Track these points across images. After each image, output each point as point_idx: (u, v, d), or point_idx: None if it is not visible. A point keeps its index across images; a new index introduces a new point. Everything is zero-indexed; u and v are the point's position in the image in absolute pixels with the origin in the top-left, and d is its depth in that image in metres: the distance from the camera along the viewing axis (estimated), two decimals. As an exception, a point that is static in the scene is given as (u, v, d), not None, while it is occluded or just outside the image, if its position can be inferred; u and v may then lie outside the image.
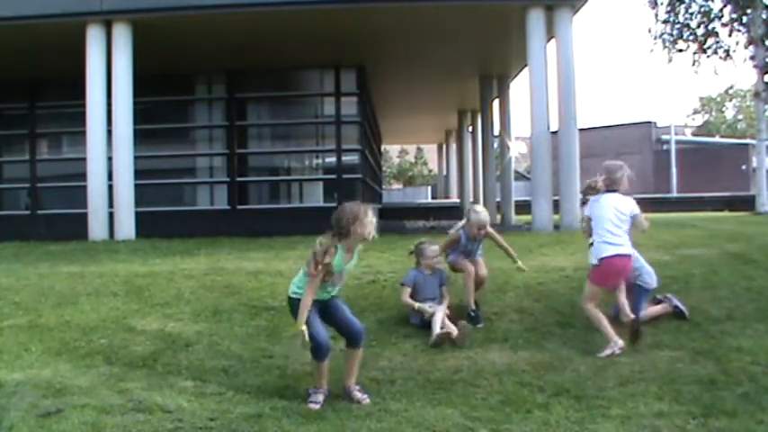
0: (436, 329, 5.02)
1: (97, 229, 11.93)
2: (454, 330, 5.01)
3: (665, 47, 19.07)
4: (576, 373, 4.21)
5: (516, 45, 13.22)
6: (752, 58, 17.47)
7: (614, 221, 4.75)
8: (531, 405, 3.66)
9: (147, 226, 12.11)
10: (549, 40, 12.16)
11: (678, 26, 18.91)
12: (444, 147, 34.70)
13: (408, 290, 5.52)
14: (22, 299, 6.35)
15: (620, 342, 4.56)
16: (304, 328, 3.82)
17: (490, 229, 5.82)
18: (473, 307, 5.59)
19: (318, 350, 3.92)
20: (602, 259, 4.78)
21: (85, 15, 11.94)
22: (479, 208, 5.94)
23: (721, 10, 18.32)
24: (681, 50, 19.02)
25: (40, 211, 16.45)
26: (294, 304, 3.97)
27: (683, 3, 18.77)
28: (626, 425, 3.38)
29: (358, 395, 3.97)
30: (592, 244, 4.96)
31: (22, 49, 13.35)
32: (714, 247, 8.61)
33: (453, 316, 5.30)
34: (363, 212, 3.98)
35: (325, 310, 4.06)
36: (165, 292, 6.50)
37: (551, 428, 3.37)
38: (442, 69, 17.39)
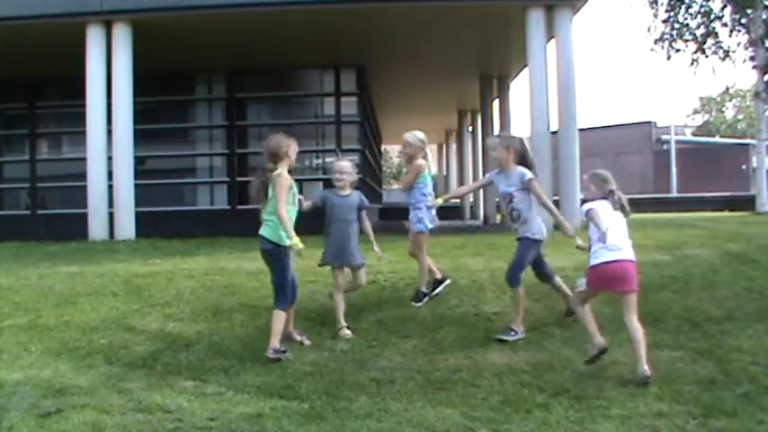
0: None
1: (97, 229, 11.93)
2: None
3: (663, 47, 19.10)
4: (576, 373, 4.21)
5: (516, 45, 13.22)
6: (752, 58, 17.48)
7: None
8: (531, 405, 3.66)
9: (147, 226, 12.11)
10: (549, 40, 12.16)
11: (678, 26, 18.92)
12: (444, 147, 34.66)
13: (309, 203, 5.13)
14: (22, 299, 6.35)
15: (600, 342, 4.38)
16: (297, 240, 4.52)
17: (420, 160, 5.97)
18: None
19: (287, 296, 4.69)
20: None
21: (85, 15, 11.95)
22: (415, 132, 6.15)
23: (722, 10, 18.33)
24: (679, 50, 19.04)
25: (40, 211, 16.46)
26: (271, 251, 4.66)
27: (683, 2, 18.78)
28: (626, 425, 3.38)
29: (297, 336, 4.93)
30: None
31: (22, 49, 13.36)
32: (714, 247, 8.62)
33: None
34: (293, 141, 4.81)
35: None
36: (165, 292, 6.50)
37: (551, 428, 3.37)
38: (442, 69, 17.39)
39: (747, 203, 19.57)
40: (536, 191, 5.10)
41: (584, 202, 4.68)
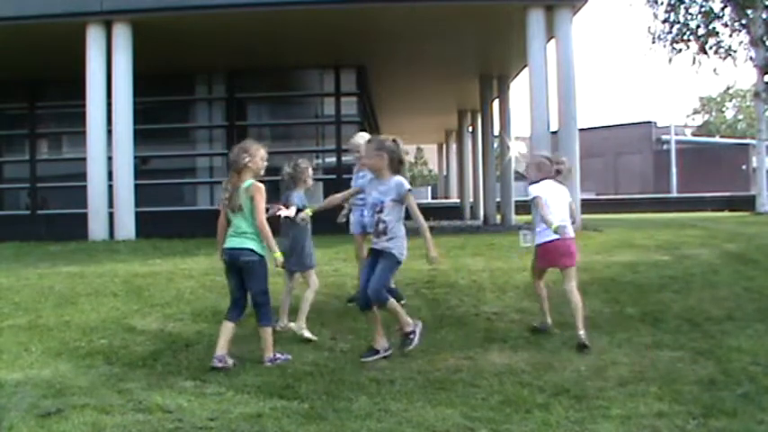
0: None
1: (97, 229, 11.93)
2: None
3: (665, 46, 19.12)
4: (576, 373, 4.21)
5: (516, 45, 13.23)
6: (752, 58, 17.50)
7: None
8: (531, 405, 3.66)
9: (147, 226, 12.11)
10: (549, 40, 12.16)
11: (678, 26, 18.94)
12: (444, 147, 34.65)
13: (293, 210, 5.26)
14: (22, 299, 6.35)
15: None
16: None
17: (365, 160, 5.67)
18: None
19: (271, 308, 4.59)
20: None
21: (85, 15, 11.95)
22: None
23: (722, 10, 18.35)
24: (681, 51, 19.06)
25: (39, 211, 16.45)
26: (258, 263, 4.47)
27: (683, 3, 18.79)
28: (626, 425, 3.37)
29: (230, 360, 4.46)
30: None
31: (22, 49, 13.36)
32: (714, 247, 8.63)
33: None
34: (258, 149, 4.54)
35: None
36: (165, 292, 6.50)
37: (551, 428, 3.37)
38: (442, 69, 17.39)
39: (747, 203, 19.57)
40: (412, 205, 4.59)
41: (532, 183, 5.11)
